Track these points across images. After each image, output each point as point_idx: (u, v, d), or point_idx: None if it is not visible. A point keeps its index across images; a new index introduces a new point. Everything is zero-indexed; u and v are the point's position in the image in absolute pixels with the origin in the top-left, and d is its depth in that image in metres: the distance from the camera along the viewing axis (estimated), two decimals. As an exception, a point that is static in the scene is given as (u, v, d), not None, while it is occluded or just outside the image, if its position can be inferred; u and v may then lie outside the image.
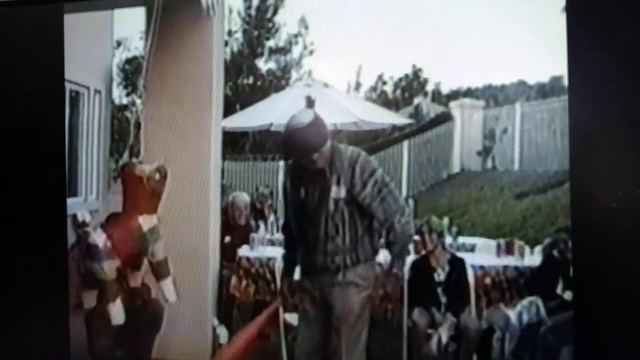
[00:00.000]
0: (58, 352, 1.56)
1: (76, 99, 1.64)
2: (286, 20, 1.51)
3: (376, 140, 1.51)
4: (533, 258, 1.35)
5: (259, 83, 1.57)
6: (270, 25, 1.55)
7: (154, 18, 1.54)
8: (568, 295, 1.29)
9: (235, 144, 1.58)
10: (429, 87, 1.42)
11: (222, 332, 1.53)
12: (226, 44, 1.56)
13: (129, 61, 1.60)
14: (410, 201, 1.48)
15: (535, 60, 1.29)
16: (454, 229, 1.44)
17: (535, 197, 1.35)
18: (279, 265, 1.51)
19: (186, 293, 1.56)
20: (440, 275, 1.45)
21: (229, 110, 1.55)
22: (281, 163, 1.58)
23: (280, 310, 1.51)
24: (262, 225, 1.61)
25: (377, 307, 1.43)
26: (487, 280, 1.42)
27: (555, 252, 1.31)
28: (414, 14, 1.36)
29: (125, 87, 1.60)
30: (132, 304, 1.57)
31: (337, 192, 1.41)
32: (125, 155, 1.58)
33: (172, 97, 1.55)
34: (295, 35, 1.50)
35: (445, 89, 1.40)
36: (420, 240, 1.45)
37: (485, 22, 1.32)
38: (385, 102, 1.47)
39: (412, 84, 1.44)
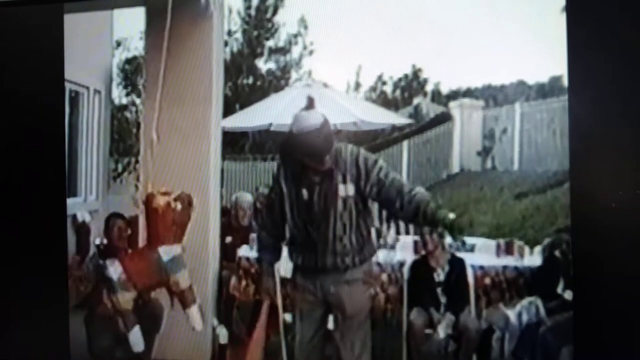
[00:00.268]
0: (58, 352, 1.56)
1: (76, 99, 1.64)
2: (286, 20, 1.51)
3: (376, 141, 1.51)
4: (532, 258, 1.35)
5: (258, 83, 1.57)
6: (269, 25, 1.54)
7: (169, 15, 1.53)
8: (568, 295, 1.29)
9: (235, 144, 1.58)
10: (429, 87, 1.42)
11: (222, 332, 1.53)
12: (226, 44, 1.56)
13: (128, 61, 1.60)
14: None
15: (535, 60, 1.29)
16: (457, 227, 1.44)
17: (535, 197, 1.35)
18: (278, 266, 1.51)
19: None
20: (439, 275, 1.45)
21: (228, 110, 1.55)
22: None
23: (280, 310, 1.51)
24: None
25: (378, 306, 1.43)
26: (487, 281, 1.42)
27: (555, 253, 1.31)
28: (414, 14, 1.35)
29: (125, 87, 1.60)
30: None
31: (345, 190, 1.42)
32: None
33: (171, 97, 1.55)
34: (295, 35, 1.50)
35: (444, 89, 1.39)
36: (420, 240, 1.45)
37: (485, 22, 1.32)
38: (385, 102, 1.47)
39: (412, 84, 1.44)
